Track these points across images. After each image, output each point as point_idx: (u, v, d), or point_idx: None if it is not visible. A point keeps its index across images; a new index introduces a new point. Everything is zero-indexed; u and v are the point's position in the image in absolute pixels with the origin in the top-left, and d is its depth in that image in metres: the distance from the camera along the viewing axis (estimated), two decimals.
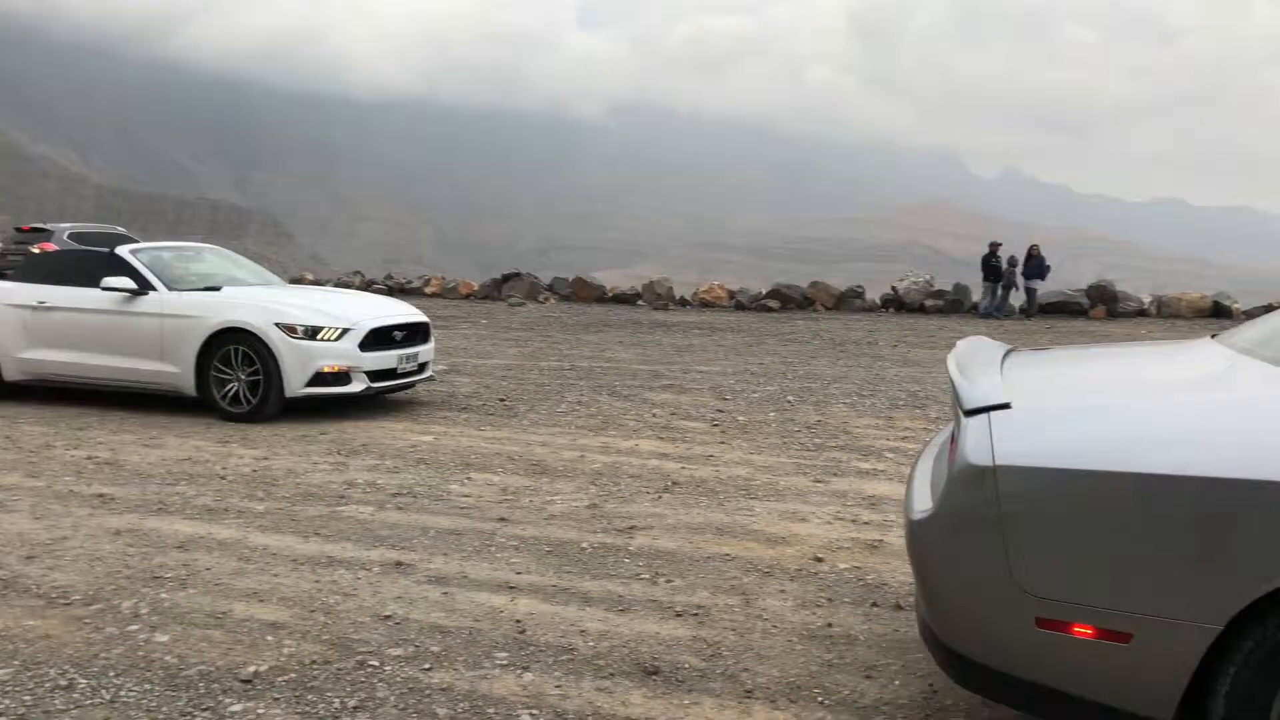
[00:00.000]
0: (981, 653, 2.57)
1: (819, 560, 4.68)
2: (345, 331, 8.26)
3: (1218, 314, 21.39)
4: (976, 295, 22.58)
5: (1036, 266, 21.90)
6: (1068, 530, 2.41)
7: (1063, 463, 2.43)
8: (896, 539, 5.03)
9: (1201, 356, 3.16)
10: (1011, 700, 2.63)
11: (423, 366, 9.05)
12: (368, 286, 24.84)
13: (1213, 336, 3.50)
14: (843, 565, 4.62)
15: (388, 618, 3.92)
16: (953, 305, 22.55)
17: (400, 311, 9.09)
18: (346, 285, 22.52)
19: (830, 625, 3.89)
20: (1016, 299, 22.28)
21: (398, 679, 3.38)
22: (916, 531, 2.75)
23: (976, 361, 3.12)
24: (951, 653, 2.64)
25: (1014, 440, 2.50)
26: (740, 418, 8.60)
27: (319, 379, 8.14)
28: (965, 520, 2.54)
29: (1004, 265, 21.96)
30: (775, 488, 6.11)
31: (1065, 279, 24.69)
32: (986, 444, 2.51)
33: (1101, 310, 21.63)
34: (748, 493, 5.98)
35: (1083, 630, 2.39)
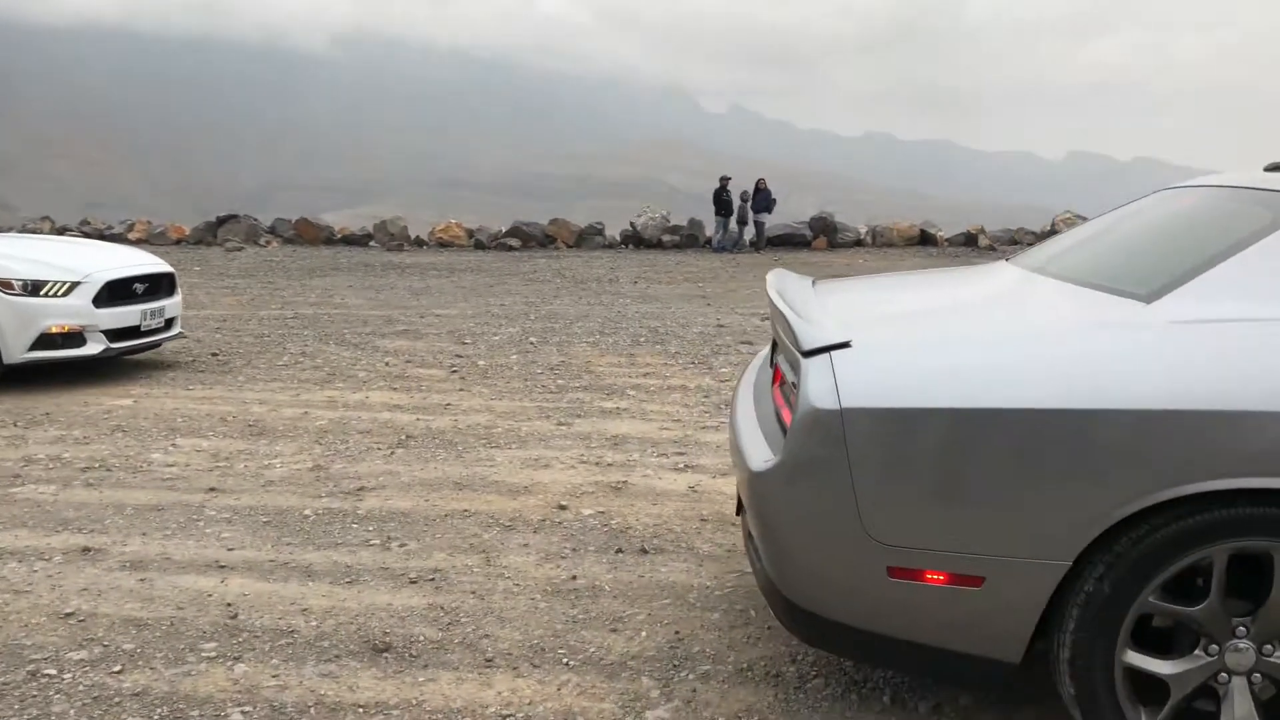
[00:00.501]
0: (832, 608, 2.45)
1: (563, 508, 4.51)
2: (75, 285, 7.18)
3: (925, 241, 23.14)
4: (710, 230, 23.21)
5: (764, 200, 22.75)
6: (917, 474, 2.30)
7: (910, 402, 2.30)
8: (641, 479, 4.94)
9: (1009, 280, 3.19)
10: (864, 656, 2.54)
11: (169, 323, 8.06)
12: (60, 233, 22.22)
13: (1007, 260, 3.59)
14: (587, 511, 4.47)
15: (69, 615, 3.37)
16: (688, 240, 23.08)
17: (141, 261, 8.01)
18: (35, 232, 20.03)
19: (575, 578, 3.72)
20: (747, 232, 23.11)
21: (80, 688, 2.90)
22: (759, 484, 2.53)
23: (801, 297, 2.97)
24: (799, 610, 2.50)
25: (859, 381, 2.35)
26: (480, 362, 8.30)
27: (45, 341, 7.05)
28: (813, 469, 2.38)
29: (734, 200, 22.67)
30: (518, 434, 5.89)
31: (790, 212, 25.88)
32: (831, 386, 2.35)
33: (823, 241, 22.86)
34: (488, 441, 5.72)
35: (935, 577, 2.31)
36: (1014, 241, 23.31)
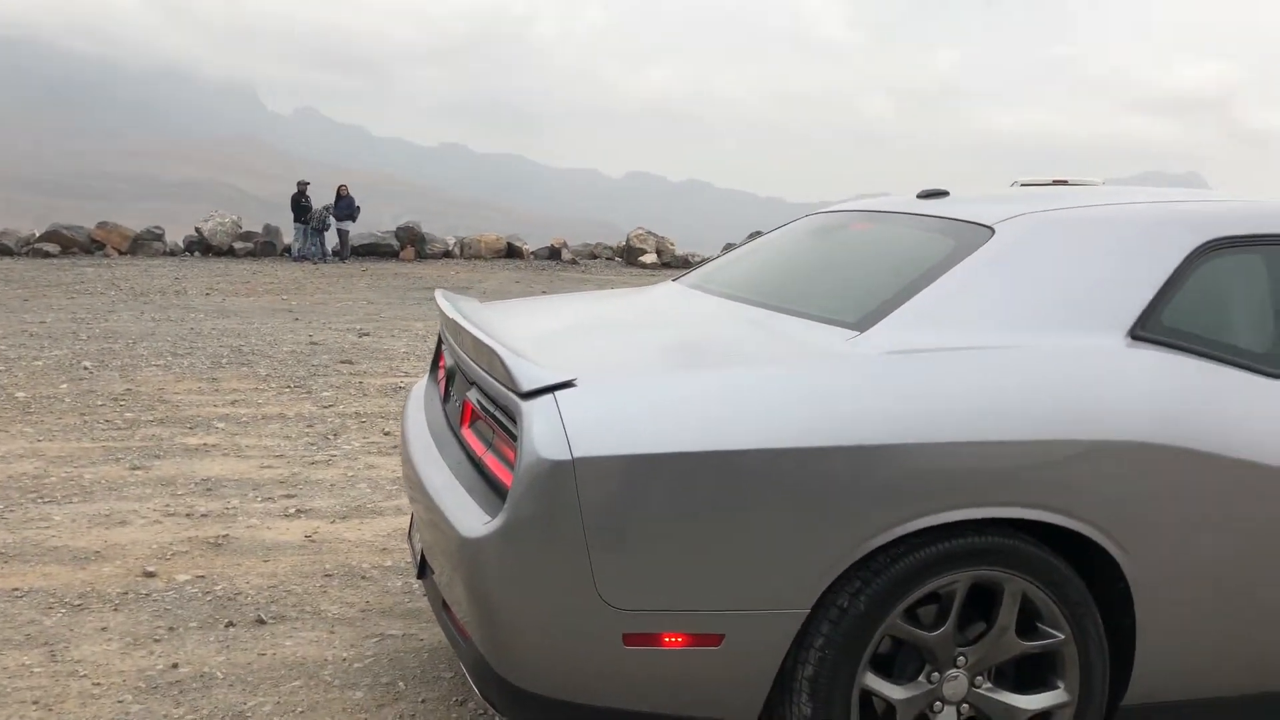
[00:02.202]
0: (560, 687, 2.12)
1: (150, 575, 3.75)
2: None
3: (511, 254, 23.47)
4: (289, 237, 21.81)
5: (347, 207, 21.79)
6: (653, 528, 2.05)
7: (646, 447, 2.04)
8: (245, 531, 4.28)
9: (707, 307, 3.01)
10: None
11: None
12: None
13: (675, 281, 3.43)
14: (182, 577, 3.76)
15: None
16: (265, 248, 21.50)
17: None
18: None
19: (176, 666, 3.05)
20: (330, 242, 21.99)
21: None
22: (473, 551, 2.12)
23: (496, 324, 2.60)
24: (520, 693, 2.14)
25: (589, 425, 2.05)
26: (19, 394, 6.91)
27: None
28: (541, 530, 2.03)
29: (314, 206, 21.46)
30: (79, 484, 4.89)
31: (372, 221, 25.07)
32: (559, 433, 2.03)
33: (411, 251, 22.37)
34: (40, 495, 4.68)
35: (673, 640, 2.08)
36: (594, 255, 24.41)
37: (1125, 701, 2.41)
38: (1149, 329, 2.41)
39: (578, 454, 2.03)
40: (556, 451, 2.03)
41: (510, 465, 2.14)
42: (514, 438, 2.14)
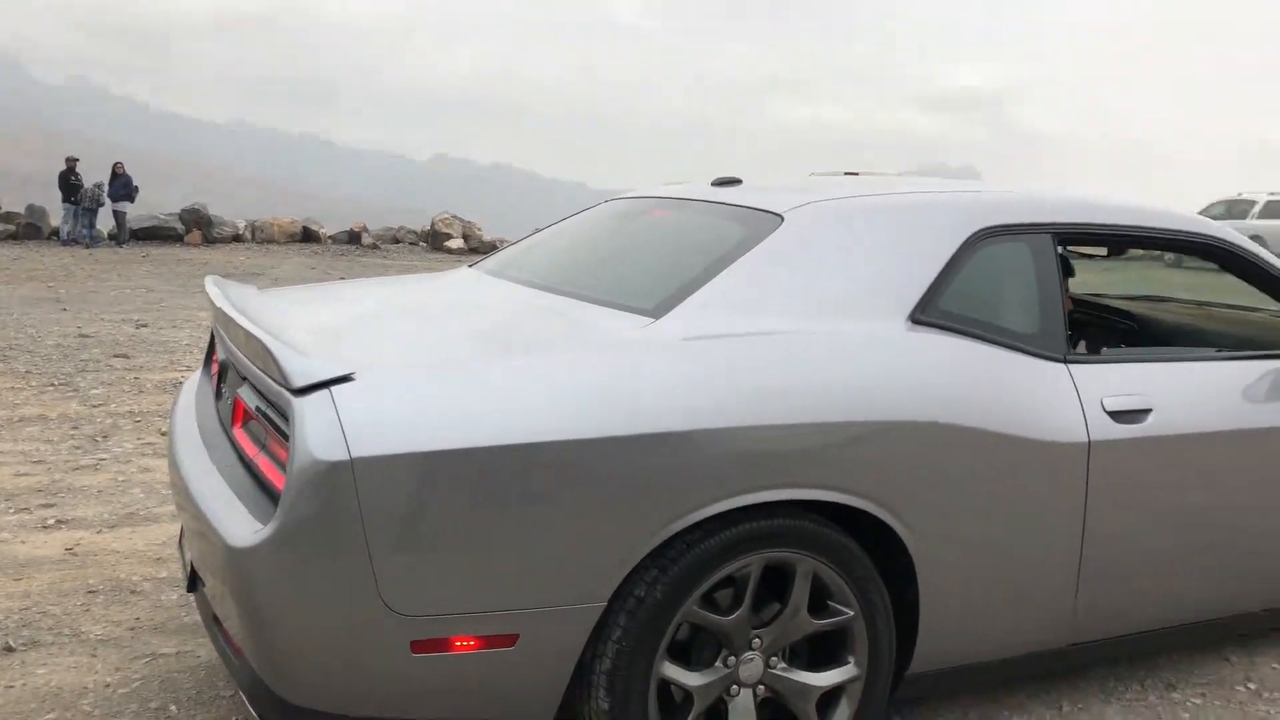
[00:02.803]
0: (344, 701, 1.99)
1: None
2: None
3: (308, 238, 22.46)
4: (57, 219, 20.08)
5: (123, 187, 20.22)
6: (441, 528, 1.94)
7: (431, 444, 1.93)
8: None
9: (500, 294, 2.88)
10: None
11: None
12: None
13: (472, 267, 3.27)
14: None
15: None
16: (30, 230, 19.71)
17: None
18: None
19: None
20: (105, 224, 20.37)
21: None
22: (243, 562, 1.95)
23: (268, 314, 2.40)
24: (300, 711, 2.00)
25: (369, 423, 1.93)
26: None
27: None
28: (318, 537, 1.89)
29: (86, 184, 19.83)
30: None
31: (155, 202, 23.45)
32: (335, 432, 1.90)
33: (197, 235, 21.03)
34: None
35: (465, 644, 1.98)
36: (396, 240, 23.69)
37: (910, 670, 2.51)
38: (928, 313, 2.49)
39: (356, 454, 1.90)
40: (332, 452, 1.89)
41: (284, 468, 1.98)
42: (286, 437, 1.99)
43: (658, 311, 2.37)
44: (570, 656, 2.11)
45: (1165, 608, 2.86)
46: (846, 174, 3.35)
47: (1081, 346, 3.30)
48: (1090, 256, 3.47)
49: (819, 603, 2.33)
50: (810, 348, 2.33)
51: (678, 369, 2.21)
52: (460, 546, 1.98)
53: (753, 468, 2.16)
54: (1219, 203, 22.79)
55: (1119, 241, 2.98)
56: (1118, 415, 2.59)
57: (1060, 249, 2.81)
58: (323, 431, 1.91)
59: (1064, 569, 2.59)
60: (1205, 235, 2.97)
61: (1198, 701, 2.93)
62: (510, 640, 2.03)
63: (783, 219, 2.58)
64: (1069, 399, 2.55)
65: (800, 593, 2.29)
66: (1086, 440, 2.53)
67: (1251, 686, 3.03)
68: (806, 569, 2.28)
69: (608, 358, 2.23)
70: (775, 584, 2.30)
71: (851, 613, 2.34)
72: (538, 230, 3.63)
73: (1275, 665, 3.17)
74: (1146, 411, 2.63)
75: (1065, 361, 2.61)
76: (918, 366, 2.40)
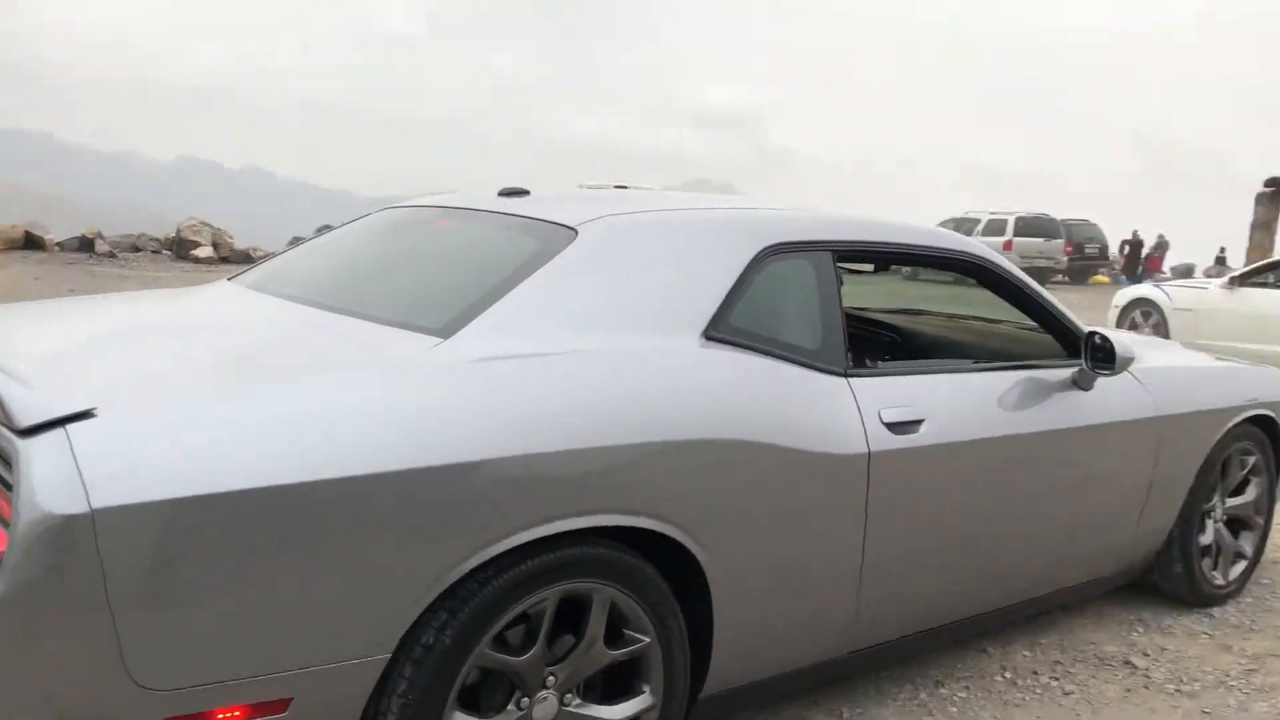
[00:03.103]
0: None
1: None
2: None
3: (31, 245, 20.34)
4: None
5: None
6: (198, 585, 1.69)
7: (183, 489, 1.67)
8: None
9: (267, 313, 2.61)
10: None
11: None
12: None
13: (231, 279, 2.99)
14: None
15: None
16: None
17: None
18: None
19: None
20: None
21: None
22: None
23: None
24: None
25: (112, 467, 1.65)
26: None
27: None
28: (49, 603, 1.60)
29: None
30: None
31: None
32: (72, 479, 1.62)
33: None
34: None
35: (229, 715, 1.74)
36: (136, 248, 21.86)
37: (704, 693, 2.49)
38: (720, 329, 2.49)
39: (98, 504, 1.63)
40: (68, 503, 1.61)
41: (6, 524, 1.69)
42: (9, 487, 1.69)
43: (447, 331, 2.23)
44: (351, 716, 1.92)
45: (937, 608, 3.00)
46: (616, 187, 3.33)
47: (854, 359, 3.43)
48: (855, 271, 3.61)
49: (614, 631, 2.26)
50: (607, 367, 2.26)
51: (469, 394, 2.07)
52: (221, 605, 1.74)
53: (549, 497, 2.05)
54: (949, 220, 24.88)
55: (892, 259, 3.11)
56: (894, 426, 2.69)
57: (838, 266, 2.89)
58: (56, 479, 1.62)
59: (848, 578, 2.65)
60: (968, 253, 3.15)
61: (963, 695, 3.10)
62: (282, 706, 1.82)
63: (576, 233, 2.50)
64: (850, 412, 2.62)
65: (597, 624, 2.20)
66: (867, 452, 2.60)
67: (1008, 675, 3.24)
68: (604, 598, 2.20)
69: (392, 383, 2.06)
70: (570, 615, 2.20)
71: (648, 640, 2.29)
72: (299, 240, 3.38)
73: (1026, 653, 3.40)
74: (919, 422, 2.74)
75: (846, 375, 2.68)
76: (712, 384, 2.39)
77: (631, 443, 2.17)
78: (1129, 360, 3.17)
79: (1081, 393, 3.22)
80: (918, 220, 3.34)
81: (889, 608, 2.81)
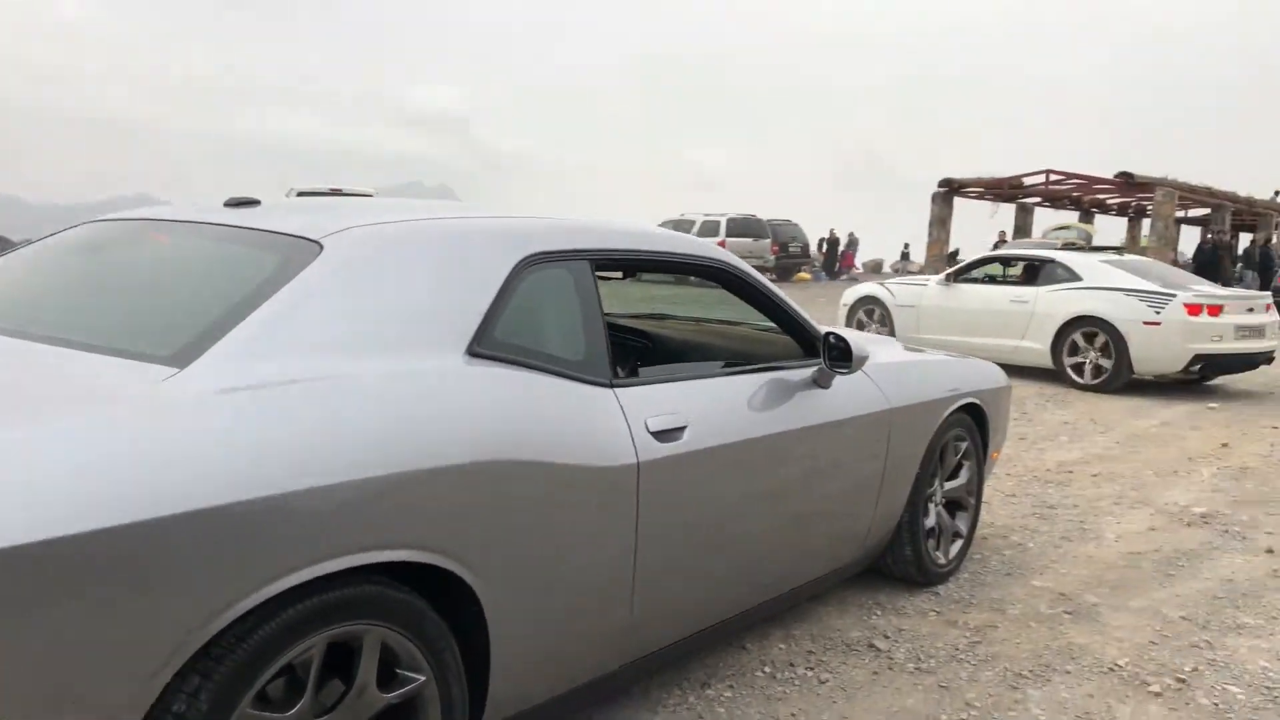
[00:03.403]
0: None
1: None
2: None
3: None
4: None
5: None
6: None
7: None
8: None
9: None
10: None
11: None
12: None
13: None
14: None
15: None
16: None
17: None
18: None
19: None
20: None
21: None
22: None
23: None
24: None
25: None
26: None
27: None
28: None
29: None
30: None
31: None
32: None
33: None
34: None
35: None
36: None
37: None
38: (485, 345, 2.37)
39: None
40: None
41: None
42: None
43: (181, 359, 1.96)
44: None
45: (705, 610, 3.03)
46: (331, 191, 3.13)
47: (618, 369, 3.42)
48: (605, 279, 3.59)
49: (387, 672, 2.09)
50: (365, 392, 2.08)
51: (211, 429, 1.82)
52: None
53: (307, 539, 1.85)
54: (668, 221, 25.82)
55: (647, 266, 3.11)
56: (660, 434, 2.68)
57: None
58: None
59: (622, 590, 2.62)
60: (714, 259, 3.22)
61: (729, 695, 3.15)
62: None
63: (322, 246, 2.30)
64: (618, 422, 2.59)
65: (368, 668, 2.02)
66: (636, 461, 2.58)
67: (768, 670, 3.33)
68: (375, 639, 2.03)
69: (119, 422, 1.78)
70: (338, 659, 2.01)
71: (424, 678, 2.13)
72: None
73: (781, 646, 3.52)
74: (683, 429, 2.75)
75: (612, 386, 2.64)
76: (479, 404, 2.26)
77: (395, 472, 2.02)
78: (864, 359, 3.35)
79: (822, 390, 3.37)
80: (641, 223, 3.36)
81: (661, 615, 2.81)
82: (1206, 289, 9.79)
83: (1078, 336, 9.74)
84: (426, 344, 2.27)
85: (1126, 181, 24.80)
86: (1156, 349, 9.32)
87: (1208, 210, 29.86)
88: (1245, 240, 31.55)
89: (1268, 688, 3.32)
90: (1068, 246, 11.88)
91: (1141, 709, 3.16)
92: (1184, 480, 6.29)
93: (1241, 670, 3.45)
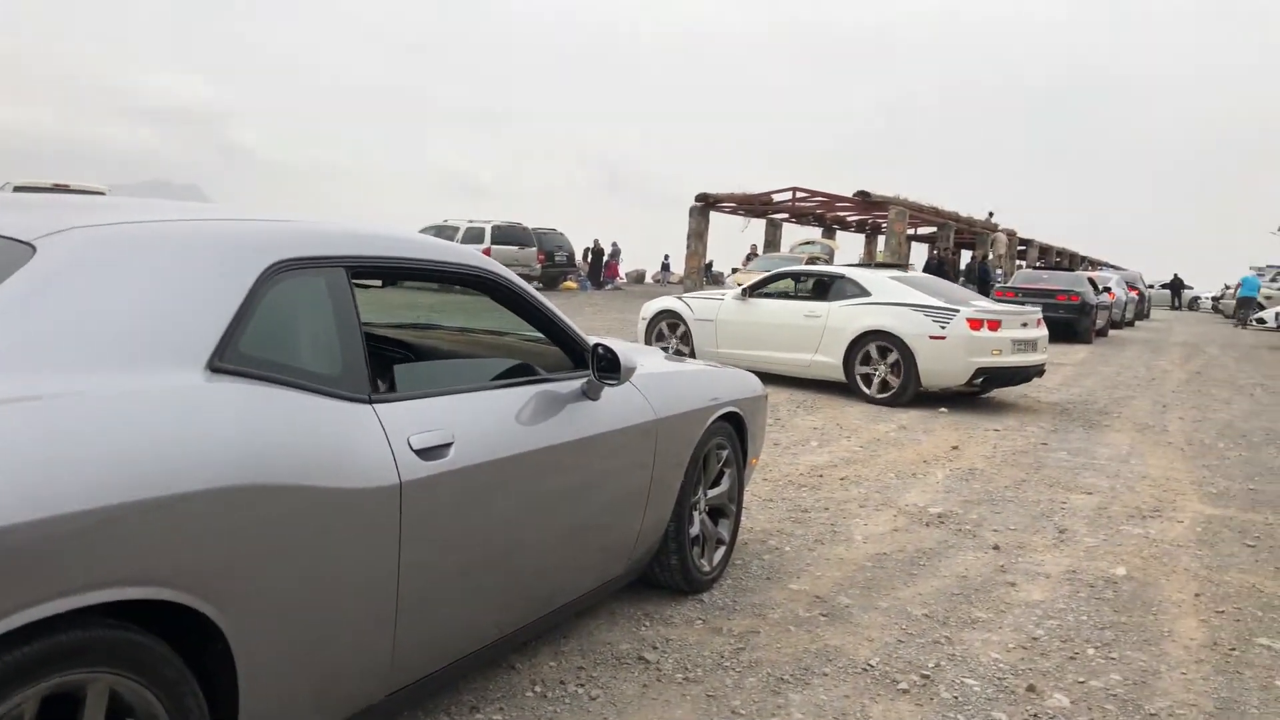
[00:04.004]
0: None
1: None
2: None
3: None
4: None
5: None
6: None
7: None
8: None
9: None
10: None
11: None
12: None
13: None
14: None
15: None
16: None
17: None
18: None
19: None
20: None
21: None
22: None
23: None
24: None
25: None
26: None
27: None
28: None
29: None
30: None
31: None
32: None
33: None
34: None
35: None
36: None
37: None
38: (228, 359, 2.16)
39: None
40: None
41: None
42: None
43: None
44: None
45: (474, 632, 2.91)
46: (55, 186, 2.81)
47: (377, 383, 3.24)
48: (365, 288, 3.40)
49: None
50: (91, 413, 1.84)
51: None
52: None
53: (20, 580, 1.61)
54: (430, 227, 25.25)
55: (408, 274, 2.96)
56: (424, 452, 2.55)
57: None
58: None
59: (384, 617, 2.46)
60: (481, 269, 3.11)
61: (498, 718, 3.05)
62: None
63: (34, 249, 2.02)
64: (378, 441, 2.44)
65: None
66: (398, 482, 2.44)
67: (538, 690, 3.25)
68: (101, 689, 1.79)
69: None
70: (58, 714, 1.76)
71: None
72: None
73: (551, 663, 3.45)
74: (448, 445, 2.63)
75: (370, 401, 2.49)
76: (221, 423, 2.05)
77: (124, 501, 1.79)
78: (632, 370, 3.34)
79: (591, 402, 3.33)
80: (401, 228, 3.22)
81: (428, 641, 2.67)
82: (985, 304, 10.49)
83: (872, 349, 10.10)
84: (160, 359, 2.04)
85: (864, 200, 26.67)
86: (943, 362, 9.83)
87: (935, 229, 32.64)
88: (967, 256, 34.67)
89: (999, 679, 3.58)
90: (812, 260, 12.52)
91: (892, 707, 3.32)
92: (921, 482, 6.75)
93: (976, 663, 3.71)
